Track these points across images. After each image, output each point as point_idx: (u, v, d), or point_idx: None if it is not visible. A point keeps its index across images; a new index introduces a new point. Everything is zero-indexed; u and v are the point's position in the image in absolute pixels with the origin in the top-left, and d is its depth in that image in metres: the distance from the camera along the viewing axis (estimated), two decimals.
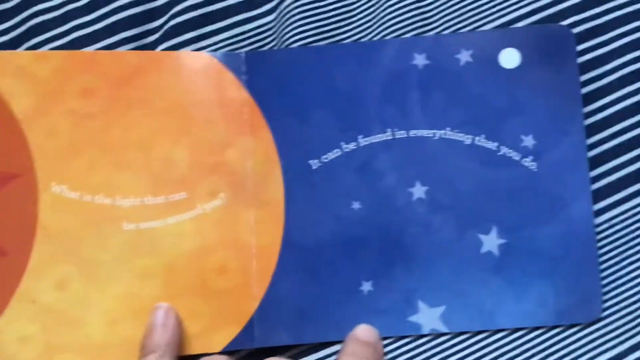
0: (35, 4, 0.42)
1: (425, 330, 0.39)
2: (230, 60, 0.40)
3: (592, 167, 0.41)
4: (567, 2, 0.42)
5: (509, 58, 0.40)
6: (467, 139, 0.40)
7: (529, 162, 0.40)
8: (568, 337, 0.39)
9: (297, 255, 0.39)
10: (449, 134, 0.40)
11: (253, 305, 0.39)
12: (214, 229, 0.39)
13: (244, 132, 0.40)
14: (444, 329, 0.39)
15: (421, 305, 0.39)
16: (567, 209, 0.39)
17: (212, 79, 0.40)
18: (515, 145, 0.40)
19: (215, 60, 0.40)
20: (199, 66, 0.40)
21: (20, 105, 0.39)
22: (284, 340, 0.39)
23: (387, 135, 0.40)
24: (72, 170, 0.38)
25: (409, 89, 0.40)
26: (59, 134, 0.38)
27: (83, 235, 0.38)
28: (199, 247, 0.39)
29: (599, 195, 0.41)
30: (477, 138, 0.40)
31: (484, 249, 0.39)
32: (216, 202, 0.39)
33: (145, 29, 0.42)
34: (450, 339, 0.39)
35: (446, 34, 0.41)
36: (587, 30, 0.42)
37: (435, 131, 0.40)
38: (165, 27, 0.41)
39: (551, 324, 0.39)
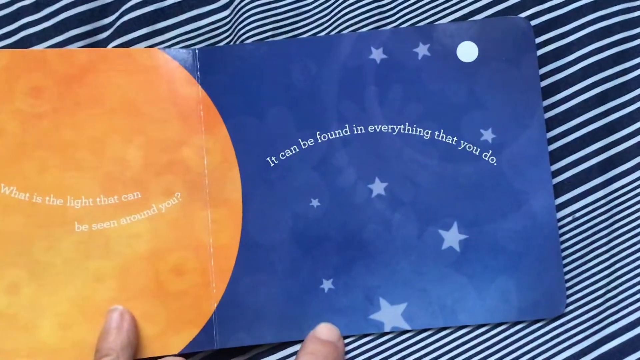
0: None
1: (387, 328, 0.38)
2: (183, 57, 0.39)
3: (555, 160, 0.41)
4: None
5: (467, 51, 0.40)
6: (426, 134, 0.39)
7: (488, 157, 0.39)
8: (532, 333, 0.39)
9: (256, 254, 0.39)
10: (407, 129, 0.39)
11: (212, 306, 0.38)
12: (170, 229, 0.38)
13: (199, 130, 0.39)
14: (406, 327, 0.38)
15: (383, 302, 0.38)
16: (528, 204, 0.39)
17: (165, 76, 0.39)
18: (475, 140, 0.39)
19: (168, 57, 0.39)
20: (151, 63, 0.39)
21: None
22: (244, 341, 0.38)
23: (345, 131, 0.39)
24: (22, 171, 0.37)
25: (367, 83, 0.39)
26: (7, 134, 0.37)
27: (33, 237, 0.37)
28: (154, 248, 0.38)
29: (561, 188, 0.40)
30: (436, 133, 0.39)
31: (445, 245, 0.39)
32: (172, 202, 0.38)
33: (97, 26, 0.40)
34: (412, 336, 0.39)
35: (403, 28, 0.40)
36: (547, 21, 0.42)
37: (393, 126, 0.39)
38: (117, 24, 0.40)
39: (514, 320, 0.38)
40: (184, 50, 0.39)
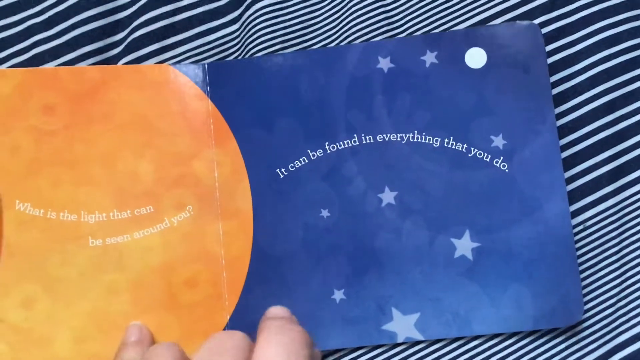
0: None
1: (400, 339, 0.38)
2: (193, 72, 0.40)
3: (565, 168, 0.40)
4: (535, 1, 0.42)
5: (476, 58, 0.39)
6: (435, 142, 0.39)
7: (499, 163, 0.39)
8: (545, 343, 0.39)
9: (267, 266, 0.39)
10: (416, 137, 0.39)
11: (225, 318, 0.38)
12: (182, 242, 0.39)
13: (210, 144, 0.40)
14: (420, 337, 0.38)
15: (395, 313, 0.38)
16: (541, 210, 0.38)
17: (175, 91, 0.40)
18: (485, 146, 0.39)
19: (178, 72, 0.40)
20: (161, 79, 0.39)
21: None
22: None
23: (353, 141, 0.39)
24: (36, 187, 0.38)
25: (375, 93, 0.39)
26: (21, 150, 0.38)
27: (48, 252, 0.37)
28: (167, 261, 0.38)
29: (572, 197, 0.40)
30: (445, 140, 0.39)
31: (457, 253, 0.38)
32: (183, 215, 0.39)
33: (108, 43, 0.41)
34: (426, 347, 0.38)
35: (410, 36, 0.40)
36: (556, 29, 0.42)
37: (402, 135, 0.39)
38: (128, 40, 0.41)
39: (529, 329, 0.38)
40: (193, 65, 0.40)
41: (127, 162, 0.39)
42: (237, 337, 0.32)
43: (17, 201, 0.38)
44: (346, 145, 0.39)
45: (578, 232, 0.40)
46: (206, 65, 0.40)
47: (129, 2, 0.41)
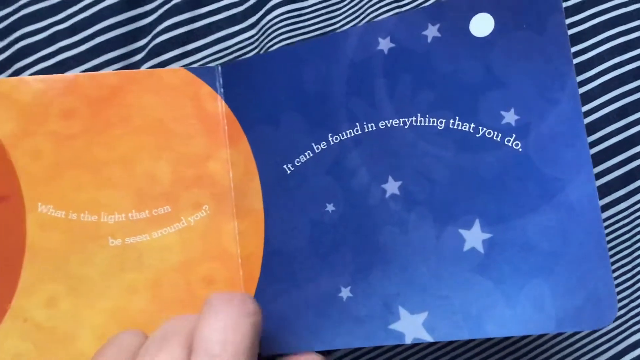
0: (23, 27, 0.43)
1: (408, 340, 0.35)
2: (207, 74, 0.40)
3: None
4: None
5: (481, 24, 0.35)
6: (440, 124, 0.35)
7: (512, 142, 0.34)
8: (557, 344, 0.36)
9: (278, 263, 0.38)
10: (419, 120, 0.35)
11: None
12: (199, 241, 0.39)
13: (224, 144, 0.40)
14: (428, 338, 0.34)
15: (402, 311, 0.35)
16: (563, 192, 0.32)
17: (190, 93, 0.40)
18: (495, 124, 0.34)
19: (192, 75, 0.40)
20: (177, 82, 0.40)
21: (4, 130, 0.40)
22: (270, 349, 0.37)
23: (355, 130, 0.37)
24: (57, 190, 0.40)
25: (375, 77, 0.36)
26: (42, 155, 0.40)
27: (70, 252, 0.40)
28: (185, 259, 0.39)
29: None
30: (450, 121, 0.35)
31: (466, 246, 0.34)
32: (200, 214, 0.39)
33: (131, 49, 0.42)
34: (438, 348, 0.35)
35: (410, 11, 0.36)
36: (569, 37, 0.38)
37: (405, 119, 0.36)
38: (150, 46, 0.42)
39: (552, 332, 0.32)
40: (206, 68, 0.41)
41: (145, 164, 0.40)
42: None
43: (40, 203, 0.40)
44: (349, 136, 0.37)
45: None
46: (219, 67, 0.41)
47: (150, 10, 0.43)
